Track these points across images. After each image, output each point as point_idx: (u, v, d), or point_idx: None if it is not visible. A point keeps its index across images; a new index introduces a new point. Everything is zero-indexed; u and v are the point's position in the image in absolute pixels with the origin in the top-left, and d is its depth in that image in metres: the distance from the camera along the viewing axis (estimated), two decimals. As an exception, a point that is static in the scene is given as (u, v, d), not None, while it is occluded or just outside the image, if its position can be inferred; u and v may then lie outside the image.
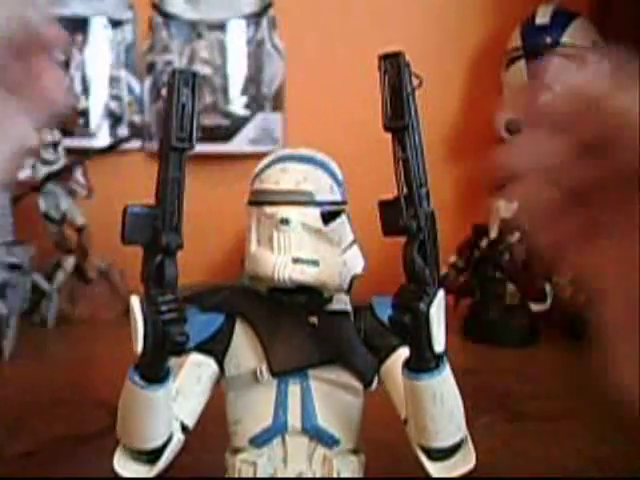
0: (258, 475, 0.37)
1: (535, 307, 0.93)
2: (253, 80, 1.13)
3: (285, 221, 0.35)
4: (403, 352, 0.36)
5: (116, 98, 1.13)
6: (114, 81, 1.12)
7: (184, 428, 0.37)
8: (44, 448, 0.59)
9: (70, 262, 1.05)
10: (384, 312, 0.36)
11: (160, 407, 0.35)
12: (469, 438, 0.36)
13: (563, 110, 0.27)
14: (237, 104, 1.12)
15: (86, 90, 1.12)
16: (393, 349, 0.37)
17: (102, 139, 1.13)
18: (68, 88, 1.12)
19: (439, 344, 0.33)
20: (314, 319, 0.37)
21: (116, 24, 1.11)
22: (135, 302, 0.33)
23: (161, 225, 0.33)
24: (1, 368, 0.83)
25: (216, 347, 0.38)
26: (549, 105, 0.27)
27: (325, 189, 0.36)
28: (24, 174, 1.02)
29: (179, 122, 0.32)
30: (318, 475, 0.37)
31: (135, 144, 1.14)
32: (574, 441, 0.58)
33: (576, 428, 0.61)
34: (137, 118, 1.14)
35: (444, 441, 0.35)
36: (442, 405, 0.34)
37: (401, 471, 0.49)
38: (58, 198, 1.03)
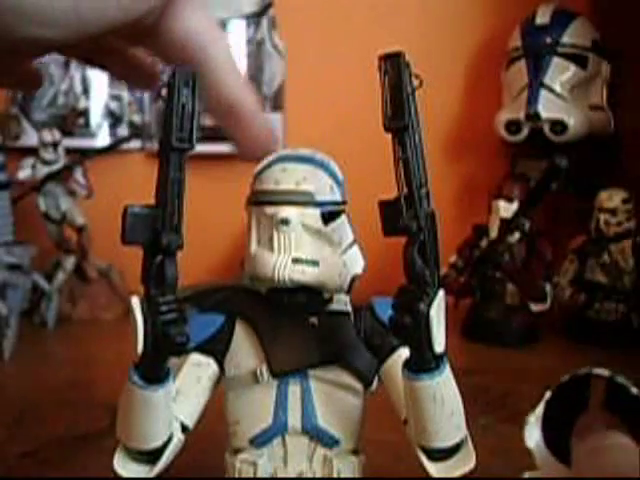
0: (258, 475, 0.37)
1: (535, 307, 0.93)
2: (253, 80, 1.13)
3: (285, 221, 0.35)
4: (403, 352, 0.36)
5: (116, 98, 1.13)
6: (114, 81, 1.12)
7: (184, 428, 0.37)
8: (44, 448, 0.59)
9: (70, 262, 1.05)
10: (384, 312, 0.36)
11: (160, 407, 0.35)
12: (469, 438, 0.36)
13: None
14: (237, 104, 1.12)
15: (86, 90, 1.12)
16: (393, 349, 0.37)
17: (102, 139, 1.13)
18: (68, 88, 1.12)
19: (439, 345, 0.33)
20: (314, 319, 0.37)
21: (116, 24, 1.11)
22: (135, 302, 0.33)
23: (161, 225, 0.33)
24: (1, 368, 0.83)
25: (216, 347, 0.38)
26: None
27: (325, 189, 0.36)
28: (24, 174, 1.02)
29: (179, 122, 0.32)
30: (318, 475, 0.37)
31: (135, 144, 1.14)
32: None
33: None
34: (137, 118, 1.14)
35: (444, 441, 0.35)
36: (442, 405, 0.34)
37: (401, 471, 0.49)
38: (58, 198, 1.03)
